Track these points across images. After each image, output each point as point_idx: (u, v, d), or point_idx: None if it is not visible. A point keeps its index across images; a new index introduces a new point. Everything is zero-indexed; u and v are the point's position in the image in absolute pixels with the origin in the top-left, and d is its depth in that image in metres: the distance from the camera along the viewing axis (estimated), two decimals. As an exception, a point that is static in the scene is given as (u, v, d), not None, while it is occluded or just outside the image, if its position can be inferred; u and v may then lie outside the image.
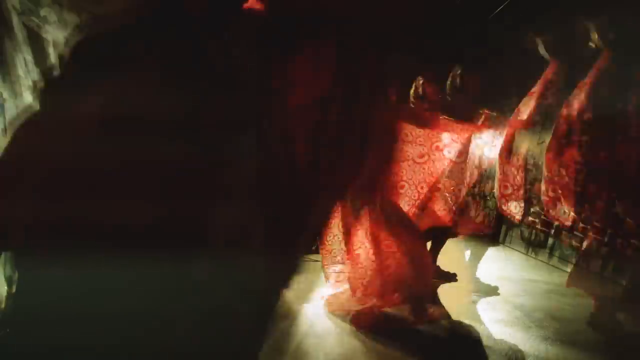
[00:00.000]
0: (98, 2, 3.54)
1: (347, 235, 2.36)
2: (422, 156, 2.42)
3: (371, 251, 2.24)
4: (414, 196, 2.43)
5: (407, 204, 2.44)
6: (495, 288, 2.86)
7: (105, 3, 3.65)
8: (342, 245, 2.38)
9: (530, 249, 3.96)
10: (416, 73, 2.90)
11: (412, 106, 2.74)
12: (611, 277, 2.91)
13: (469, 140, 2.60)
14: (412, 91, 2.80)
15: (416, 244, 2.25)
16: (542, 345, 2.01)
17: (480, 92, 2.90)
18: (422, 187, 2.43)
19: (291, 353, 1.85)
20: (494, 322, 2.30)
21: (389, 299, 2.22)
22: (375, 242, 2.23)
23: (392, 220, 2.22)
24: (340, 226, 2.39)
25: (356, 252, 2.30)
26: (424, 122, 2.45)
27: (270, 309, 1.08)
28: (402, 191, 2.41)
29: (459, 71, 2.87)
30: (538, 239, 3.88)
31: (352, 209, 2.37)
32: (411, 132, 2.43)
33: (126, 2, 1.01)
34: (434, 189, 2.56)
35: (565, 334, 2.14)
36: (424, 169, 2.42)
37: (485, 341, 2.06)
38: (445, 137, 2.45)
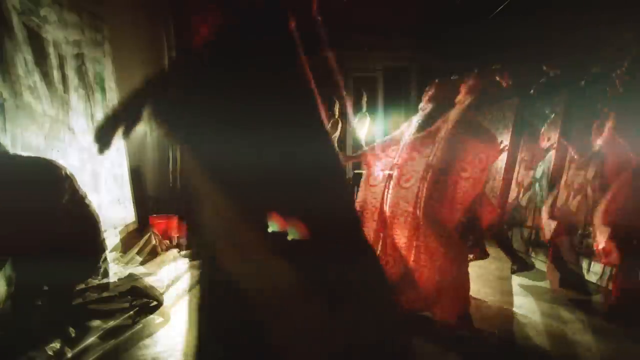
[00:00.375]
0: (98, 2, 3.55)
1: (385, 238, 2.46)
2: (465, 170, 2.30)
3: (401, 258, 2.33)
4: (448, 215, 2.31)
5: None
6: (495, 288, 2.86)
7: (106, 3, 3.67)
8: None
9: (530, 249, 3.96)
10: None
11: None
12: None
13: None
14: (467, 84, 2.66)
15: (454, 263, 2.15)
16: (542, 345, 2.01)
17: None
18: (459, 205, 2.31)
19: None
20: (494, 322, 2.30)
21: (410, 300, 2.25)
22: (411, 251, 2.26)
23: (437, 236, 2.17)
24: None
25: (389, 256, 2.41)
26: (481, 138, 2.35)
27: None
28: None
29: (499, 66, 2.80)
30: (538, 239, 3.88)
31: (394, 215, 2.40)
32: (465, 145, 2.32)
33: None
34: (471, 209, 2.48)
35: (565, 334, 2.14)
36: (463, 186, 2.30)
37: (485, 341, 2.06)
38: (476, 160, 2.32)
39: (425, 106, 2.75)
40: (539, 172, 4.03)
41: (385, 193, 2.52)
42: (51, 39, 2.89)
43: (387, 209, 2.46)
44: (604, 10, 3.28)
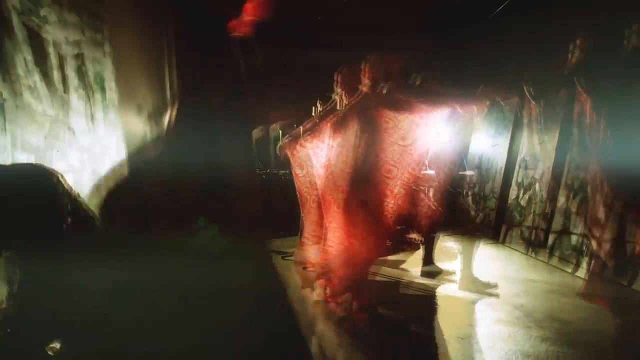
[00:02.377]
0: (98, 2, 3.56)
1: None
2: (404, 139, 2.40)
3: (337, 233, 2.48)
4: (405, 177, 2.41)
5: (398, 186, 2.42)
6: (495, 288, 2.86)
7: (106, 3, 3.68)
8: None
9: (530, 249, 3.96)
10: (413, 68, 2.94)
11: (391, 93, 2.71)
12: (612, 278, 2.91)
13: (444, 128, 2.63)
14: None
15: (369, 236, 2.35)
16: (542, 345, 2.01)
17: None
18: (412, 169, 2.41)
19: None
20: (494, 322, 2.30)
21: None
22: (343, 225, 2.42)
23: (363, 209, 2.33)
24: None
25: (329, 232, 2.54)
26: (404, 108, 2.42)
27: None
28: (391, 175, 2.40)
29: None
30: (538, 239, 3.88)
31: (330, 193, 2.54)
32: (392, 118, 2.41)
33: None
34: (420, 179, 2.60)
35: (565, 334, 2.14)
36: (410, 151, 2.39)
37: (485, 341, 2.06)
38: (425, 123, 2.42)
39: (336, 91, 2.87)
40: (539, 172, 4.03)
41: (312, 179, 2.68)
42: (51, 39, 2.89)
43: (321, 194, 2.62)
44: (604, 10, 3.28)
